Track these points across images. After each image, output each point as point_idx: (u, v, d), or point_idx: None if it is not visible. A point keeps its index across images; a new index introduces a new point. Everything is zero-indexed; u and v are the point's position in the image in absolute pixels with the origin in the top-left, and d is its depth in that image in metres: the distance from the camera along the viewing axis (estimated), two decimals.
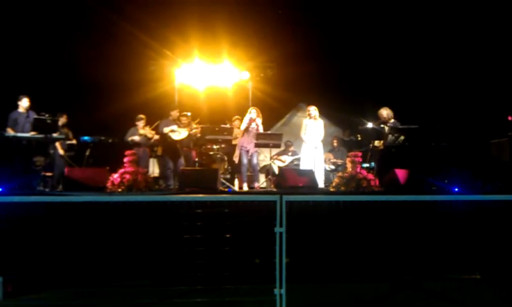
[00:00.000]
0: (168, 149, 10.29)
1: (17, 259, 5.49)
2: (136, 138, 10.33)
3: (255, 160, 10.06)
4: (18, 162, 8.56)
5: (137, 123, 10.48)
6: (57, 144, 9.92)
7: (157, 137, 10.50)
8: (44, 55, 11.69)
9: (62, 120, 10.04)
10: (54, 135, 9.08)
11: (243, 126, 9.88)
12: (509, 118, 10.07)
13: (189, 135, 10.23)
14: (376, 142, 9.55)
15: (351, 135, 11.31)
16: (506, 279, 6.55)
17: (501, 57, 11.56)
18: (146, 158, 10.64)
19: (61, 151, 10.06)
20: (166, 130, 10.08)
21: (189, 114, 10.52)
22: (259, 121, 9.88)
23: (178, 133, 10.09)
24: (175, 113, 10.41)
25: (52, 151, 9.72)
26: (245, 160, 9.83)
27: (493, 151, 10.10)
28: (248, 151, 9.84)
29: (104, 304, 5.22)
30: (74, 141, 10.40)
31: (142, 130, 10.46)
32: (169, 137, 10.07)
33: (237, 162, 9.97)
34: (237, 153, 10.00)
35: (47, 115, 9.03)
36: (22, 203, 4.72)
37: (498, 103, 11.16)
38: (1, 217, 4.85)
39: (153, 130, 10.53)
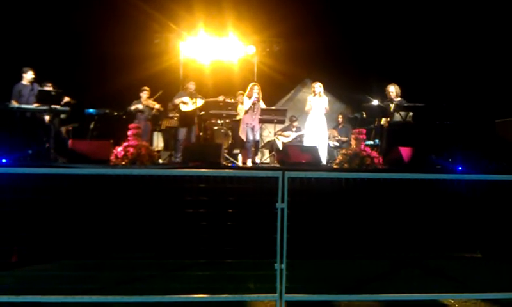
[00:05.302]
0: (181, 120, 10.43)
1: (22, 230, 5.54)
2: (140, 106, 10.45)
3: (257, 136, 10.14)
4: (22, 134, 8.57)
5: (141, 93, 10.54)
6: None
7: (157, 106, 10.58)
8: (49, 27, 11.63)
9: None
10: (58, 107, 9.07)
11: (247, 106, 9.88)
12: None
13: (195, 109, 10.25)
14: (382, 120, 9.52)
15: (354, 112, 11.23)
16: (507, 259, 6.59)
17: (508, 36, 11.42)
18: (148, 131, 10.70)
19: None
20: (177, 101, 10.15)
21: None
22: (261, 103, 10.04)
23: (186, 106, 10.14)
24: (190, 86, 10.40)
25: (55, 124, 9.70)
26: (250, 137, 9.87)
27: (498, 131, 10.04)
28: (253, 128, 9.88)
29: (107, 275, 5.28)
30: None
31: (145, 102, 10.50)
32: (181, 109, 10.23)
33: (244, 138, 9.99)
34: (242, 129, 10.04)
35: (51, 86, 9.01)
36: (26, 174, 4.74)
37: (504, 82, 11.07)
38: (5, 189, 4.87)
39: (154, 100, 10.60)
